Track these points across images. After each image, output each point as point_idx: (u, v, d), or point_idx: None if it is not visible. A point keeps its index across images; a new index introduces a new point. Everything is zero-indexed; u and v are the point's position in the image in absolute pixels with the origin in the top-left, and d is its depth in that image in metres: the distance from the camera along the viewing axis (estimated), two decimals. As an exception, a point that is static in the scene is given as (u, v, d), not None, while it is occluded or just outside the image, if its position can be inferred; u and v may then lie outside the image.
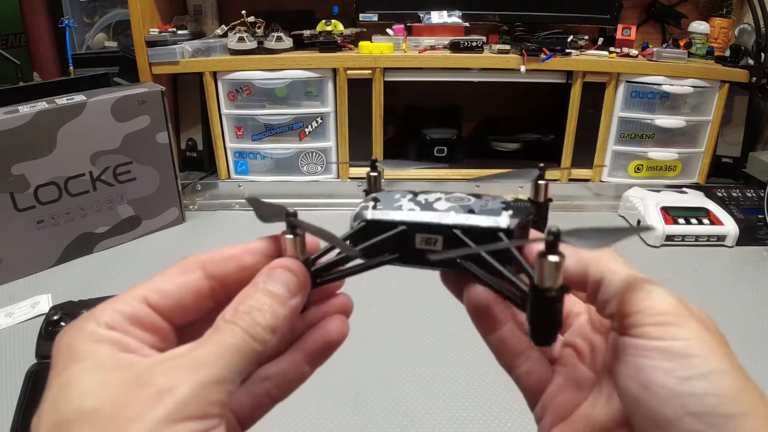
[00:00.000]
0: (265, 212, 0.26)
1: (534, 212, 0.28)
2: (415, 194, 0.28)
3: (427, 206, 0.27)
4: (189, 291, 0.23)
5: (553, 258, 0.22)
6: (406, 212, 0.26)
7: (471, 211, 0.26)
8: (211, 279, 0.24)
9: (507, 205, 0.27)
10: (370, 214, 0.27)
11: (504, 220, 0.25)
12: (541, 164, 0.30)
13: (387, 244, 0.26)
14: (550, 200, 0.30)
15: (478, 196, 0.28)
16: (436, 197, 0.27)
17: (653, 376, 0.22)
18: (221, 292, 0.24)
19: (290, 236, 0.25)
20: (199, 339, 0.22)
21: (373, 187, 0.31)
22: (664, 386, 0.22)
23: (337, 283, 0.28)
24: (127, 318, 0.22)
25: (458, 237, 0.25)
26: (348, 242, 0.27)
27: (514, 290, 0.25)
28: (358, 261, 0.27)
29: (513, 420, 0.59)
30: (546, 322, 0.24)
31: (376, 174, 0.31)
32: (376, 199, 0.28)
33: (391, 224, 0.26)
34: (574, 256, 0.25)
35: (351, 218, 0.28)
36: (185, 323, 0.24)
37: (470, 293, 0.27)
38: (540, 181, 0.30)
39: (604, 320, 0.27)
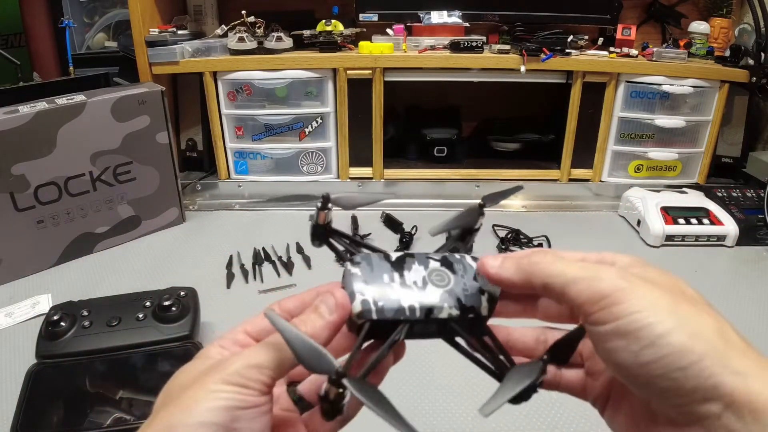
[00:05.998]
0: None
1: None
2: (399, 271, 0.32)
3: (421, 291, 0.31)
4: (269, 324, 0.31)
5: None
6: (405, 301, 0.31)
7: (458, 300, 0.31)
8: (284, 312, 0.33)
9: (481, 289, 0.32)
10: (374, 313, 0.30)
11: (485, 309, 0.32)
12: (480, 202, 0.36)
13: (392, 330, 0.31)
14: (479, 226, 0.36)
15: (449, 265, 0.33)
16: (421, 278, 0.32)
17: (616, 356, 0.26)
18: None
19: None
20: None
21: (322, 221, 0.34)
22: (626, 362, 0.25)
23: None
24: (233, 341, 0.32)
25: (449, 324, 0.31)
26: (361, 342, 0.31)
27: (492, 367, 0.31)
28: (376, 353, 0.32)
29: (513, 420, 0.59)
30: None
31: (326, 211, 0.34)
32: (365, 280, 0.31)
33: (395, 322, 0.31)
34: (513, 265, 0.30)
35: (347, 294, 0.31)
36: None
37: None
38: (481, 216, 0.36)
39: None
